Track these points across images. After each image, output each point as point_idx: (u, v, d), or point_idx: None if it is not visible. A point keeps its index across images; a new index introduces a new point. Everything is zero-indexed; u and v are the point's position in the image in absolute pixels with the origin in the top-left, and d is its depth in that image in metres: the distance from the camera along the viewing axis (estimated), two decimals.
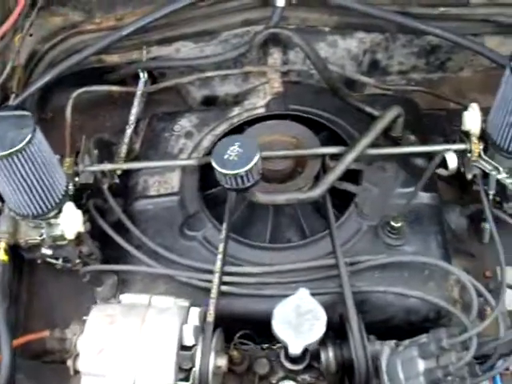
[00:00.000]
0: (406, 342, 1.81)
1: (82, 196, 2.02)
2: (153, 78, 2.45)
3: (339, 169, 1.89)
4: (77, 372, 1.70)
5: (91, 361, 1.65)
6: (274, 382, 1.83)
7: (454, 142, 2.03)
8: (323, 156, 2.00)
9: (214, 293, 1.75)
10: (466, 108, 2.01)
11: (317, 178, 1.98)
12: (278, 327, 1.63)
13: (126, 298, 1.78)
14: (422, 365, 1.72)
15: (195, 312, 1.72)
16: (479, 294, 1.83)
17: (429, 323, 1.89)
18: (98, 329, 1.69)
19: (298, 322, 1.64)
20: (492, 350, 1.76)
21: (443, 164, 1.87)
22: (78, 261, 1.99)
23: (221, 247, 1.81)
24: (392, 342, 1.83)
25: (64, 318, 1.99)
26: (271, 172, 1.98)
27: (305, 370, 1.81)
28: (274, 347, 1.87)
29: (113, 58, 2.41)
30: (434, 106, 2.41)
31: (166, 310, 1.71)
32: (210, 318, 1.71)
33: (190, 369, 1.66)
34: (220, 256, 1.80)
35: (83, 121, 2.39)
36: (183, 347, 1.67)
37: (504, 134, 1.89)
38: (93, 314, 1.72)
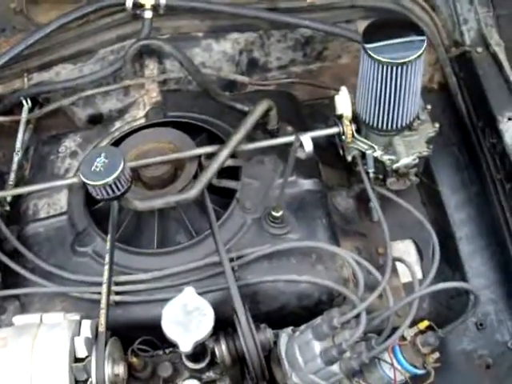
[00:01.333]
0: (302, 326, 1.86)
1: None
2: (40, 105, 2.47)
3: (213, 167, 1.93)
4: None
5: None
6: (179, 383, 1.87)
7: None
8: (199, 157, 2.05)
9: (103, 303, 1.77)
10: None
11: (195, 179, 2.01)
12: (167, 327, 1.66)
13: (18, 319, 1.80)
14: (317, 346, 1.77)
15: (86, 324, 1.75)
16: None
17: (323, 305, 1.94)
18: None
19: (187, 319, 1.67)
20: (386, 322, 1.82)
21: None
22: None
23: (107, 258, 1.84)
24: (289, 329, 1.88)
25: None
26: (151, 179, 2.02)
27: (208, 367, 1.86)
28: (178, 350, 1.90)
29: None
30: (315, 96, 2.47)
31: (57, 326, 1.74)
32: (102, 328, 1.73)
33: (87, 380, 1.69)
34: (107, 267, 1.82)
35: None
36: (77, 360, 1.70)
37: (370, 112, 1.95)
38: None
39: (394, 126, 1.95)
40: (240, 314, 1.75)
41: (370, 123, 1.97)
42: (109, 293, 1.80)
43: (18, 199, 2.16)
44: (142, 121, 2.25)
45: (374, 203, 2.02)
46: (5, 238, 2.08)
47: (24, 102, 2.37)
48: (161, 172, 2.02)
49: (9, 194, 2.11)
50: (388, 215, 2.01)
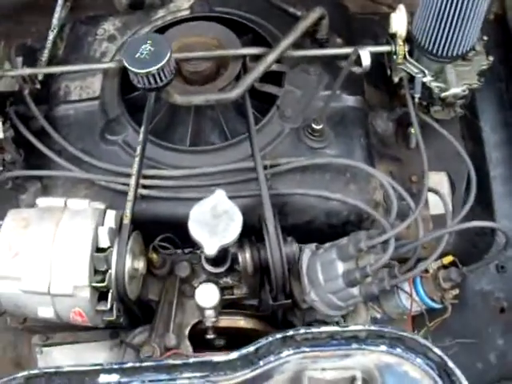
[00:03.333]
0: (327, 244, 1.83)
1: (5, 103, 1.97)
2: None
3: (258, 70, 1.85)
4: None
5: (6, 264, 1.64)
6: (195, 285, 1.85)
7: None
8: (244, 57, 1.96)
9: (130, 195, 1.73)
10: None
11: (238, 80, 1.93)
12: (194, 227, 1.63)
13: (41, 201, 1.76)
14: (340, 267, 1.74)
15: (111, 214, 1.71)
16: (401, 198, 1.84)
17: (350, 226, 1.91)
18: (13, 232, 1.67)
19: (214, 222, 1.63)
20: (411, 252, 1.79)
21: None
22: (0, 169, 1.96)
23: (138, 149, 1.78)
24: (313, 245, 1.85)
25: None
26: (192, 74, 1.93)
27: (227, 273, 1.84)
28: (198, 252, 1.88)
29: None
30: (366, 11, 2.36)
31: (81, 213, 1.70)
32: (126, 220, 1.70)
33: (107, 271, 1.66)
34: (137, 159, 1.77)
35: (8, 27, 2.32)
36: (99, 249, 1.67)
37: (428, 35, 1.85)
38: (8, 218, 1.71)
39: (451, 52, 1.86)
40: (269, 223, 1.71)
41: (426, 46, 1.88)
42: (137, 185, 1.76)
43: (49, 78, 2.08)
44: (187, 12, 2.15)
45: (416, 129, 1.94)
46: (32, 116, 2.01)
47: None
48: (203, 67, 1.92)
49: (42, 71, 2.02)
50: (425, 145, 1.93)
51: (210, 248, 1.62)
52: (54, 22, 2.16)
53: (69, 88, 2.06)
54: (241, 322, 1.92)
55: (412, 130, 2.04)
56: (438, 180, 2.14)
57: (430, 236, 1.79)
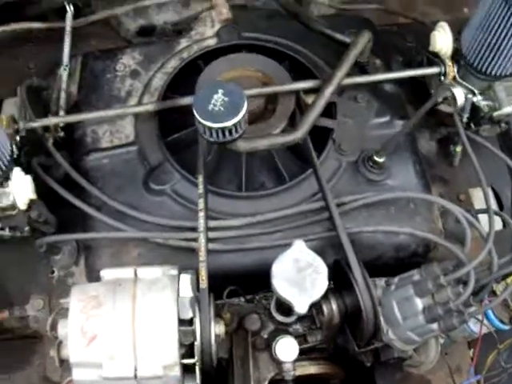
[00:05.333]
0: (396, 279, 1.74)
1: (19, 154, 1.75)
2: (76, 10, 2.10)
3: (319, 105, 1.73)
4: (63, 362, 1.51)
5: (83, 351, 1.45)
6: (265, 336, 1.73)
7: (420, 63, 1.94)
8: (297, 91, 1.84)
9: (202, 256, 1.57)
10: (419, 23, 1.95)
11: (291, 116, 1.82)
12: (281, 286, 1.51)
13: (107, 273, 1.56)
14: (419, 303, 1.65)
15: (187, 280, 1.54)
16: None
17: (418, 257, 1.84)
18: (84, 315, 1.48)
19: (300, 277, 1.52)
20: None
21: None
22: (27, 228, 1.76)
23: (201, 203, 1.60)
24: (382, 281, 1.77)
25: (20, 290, 1.82)
26: None
27: (296, 320, 1.72)
28: (257, 297, 1.78)
29: None
30: (382, 22, 2.25)
31: (156, 283, 1.53)
32: (204, 284, 1.55)
33: (192, 343, 1.51)
34: (202, 214, 1.59)
35: (3, 63, 2.10)
36: (181, 321, 1.51)
37: (484, 56, 1.78)
38: (74, 297, 1.50)
39: (506, 71, 1.79)
40: (356, 270, 1.60)
41: (478, 66, 1.80)
42: (207, 243, 1.61)
43: (70, 124, 1.88)
44: (212, 40, 1.99)
45: (469, 150, 1.86)
46: (54, 167, 1.82)
47: (67, 7, 2.01)
48: (255, 106, 1.79)
49: (70, 119, 1.81)
50: (466, 161, 1.89)
51: (302, 307, 1.51)
52: (65, 59, 1.94)
53: (96, 134, 1.87)
54: (312, 368, 1.83)
55: (457, 149, 1.99)
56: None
57: (505, 270, 1.74)
